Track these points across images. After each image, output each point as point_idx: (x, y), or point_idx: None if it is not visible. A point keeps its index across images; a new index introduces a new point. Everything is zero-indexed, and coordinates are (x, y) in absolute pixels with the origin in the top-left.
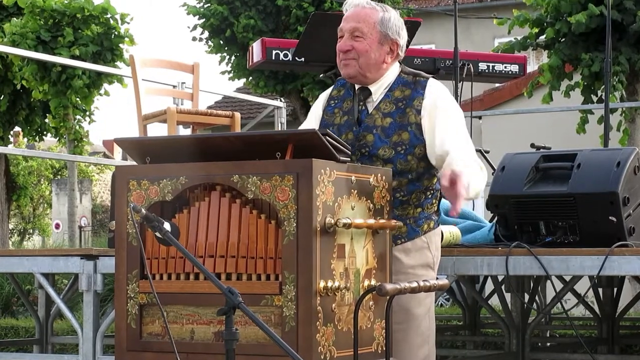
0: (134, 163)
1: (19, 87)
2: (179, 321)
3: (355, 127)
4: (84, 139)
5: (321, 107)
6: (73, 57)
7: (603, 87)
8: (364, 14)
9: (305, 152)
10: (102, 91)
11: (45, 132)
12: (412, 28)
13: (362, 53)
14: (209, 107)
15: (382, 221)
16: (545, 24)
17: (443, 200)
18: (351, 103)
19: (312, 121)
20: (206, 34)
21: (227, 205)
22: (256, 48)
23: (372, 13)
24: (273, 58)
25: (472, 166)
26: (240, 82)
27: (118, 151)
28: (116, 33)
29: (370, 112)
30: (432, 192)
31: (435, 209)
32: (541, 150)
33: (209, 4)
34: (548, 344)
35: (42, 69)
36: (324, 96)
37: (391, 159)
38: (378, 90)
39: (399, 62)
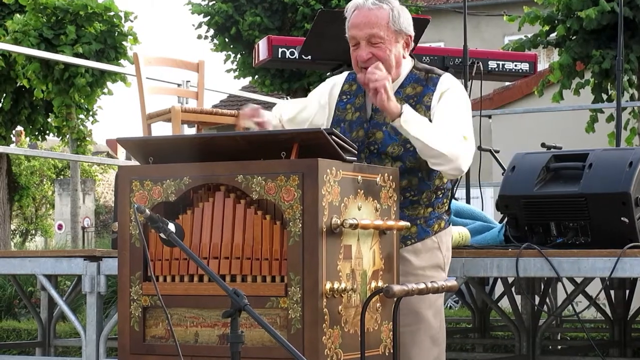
0: (138, 163)
1: (19, 84)
2: (183, 324)
3: (366, 123)
4: (87, 139)
5: (327, 96)
6: (76, 55)
7: (613, 85)
8: (374, 16)
9: (311, 151)
10: (105, 90)
11: (47, 132)
12: (420, 26)
13: (384, 58)
14: (214, 106)
15: (389, 222)
16: (556, 21)
17: (453, 201)
18: (363, 99)
19: (312, 104)
20: (211, 31)
21: (231, 205)
22: (262, 46)
23: (381, 13)
24: (279, 56)
25: (445, 132)
26: (246, 81)
27: (122, 151)
28: (119, 31)
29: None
30: (442, 191)
31: (446, 208)
32: (552, 150)
33: (214, 2)
34: (559, 346)
35: (45, 67)
36: (329, 86)
37: (400, 157)
38: (393, 88)
39: (410, 55)
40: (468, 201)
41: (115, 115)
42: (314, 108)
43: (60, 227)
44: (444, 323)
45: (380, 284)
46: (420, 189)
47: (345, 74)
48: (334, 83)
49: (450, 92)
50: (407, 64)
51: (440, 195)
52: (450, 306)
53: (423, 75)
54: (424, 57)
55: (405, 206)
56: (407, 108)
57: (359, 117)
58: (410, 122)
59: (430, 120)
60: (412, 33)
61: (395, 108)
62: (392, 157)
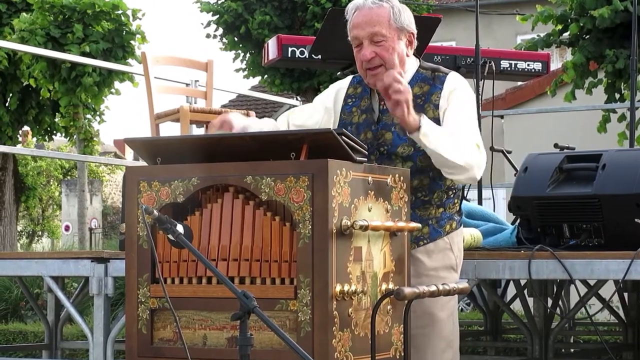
0: (145, 164)
1: (25, 84)
2: (191, 326)
3: (373, 125)
4: (94, 139)
5: (332, 100)
6: (83, 54)
7: (626, 84)
8: (375, 14)
9: (321, 152)
10: (112, 90)
11: (54, 132)
12: (432, 25)
13: (388, 57)
14: (223, 106)
15: (400, 223)
16: (569, 20)
17: (465, 202)
18: (369, 101)
19: (318, 108)
20: (220, 30)
21: (240, 206)
22: (272, 45)
23: (381, 11)
24: (289, 55)
25: (460, 142)
26: (255, 80)
27: (129, 151)
28: (127, 30)
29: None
30: (454, 191)
31: (458, 208)
32: (565, 150)
33: (223, 0)
34: (572, 350)
35: (52, 67)
36: (334, 90)
37: (411, 156)
38: None
39: (415, 55)
40: (480, 202)
41: (123, 116)
42: (320, 114)
43: (67, 228)
44: (458, 325)
45: (391, 286)
46: (431, 188)
47: (349, 78)
48: (339, 87)
49: (458, 92)
50: (413, 64)
51: (452, 196)
52: (461, 309)
53: (429, 74)
54: (435, 57)
55: (416, 206)
56: (425, 121)
57: (366, 120)
58: (428, 135)
59: (439, 121)
60: (415, 31)
61: (414, 121)
62: (402, 158)
